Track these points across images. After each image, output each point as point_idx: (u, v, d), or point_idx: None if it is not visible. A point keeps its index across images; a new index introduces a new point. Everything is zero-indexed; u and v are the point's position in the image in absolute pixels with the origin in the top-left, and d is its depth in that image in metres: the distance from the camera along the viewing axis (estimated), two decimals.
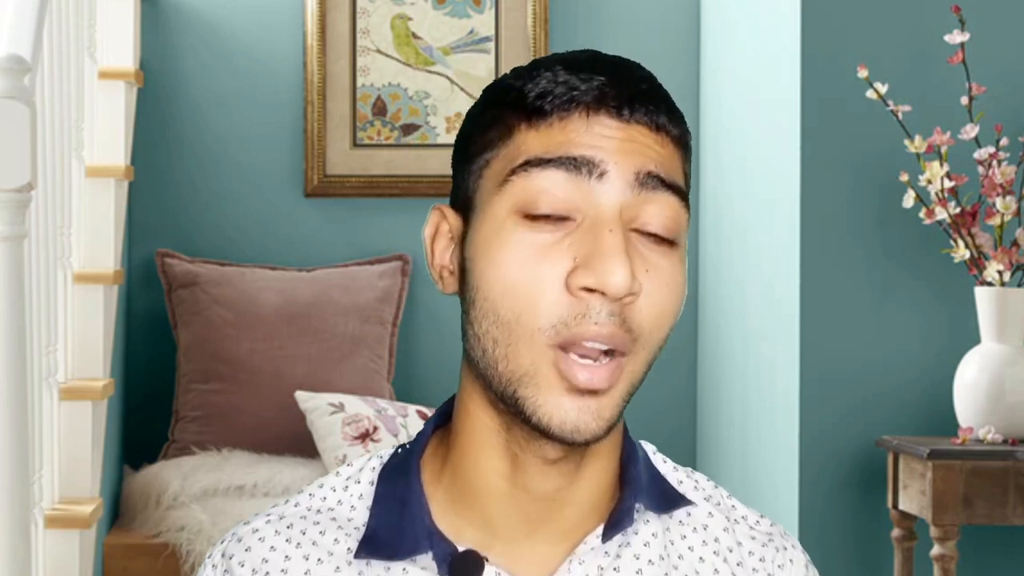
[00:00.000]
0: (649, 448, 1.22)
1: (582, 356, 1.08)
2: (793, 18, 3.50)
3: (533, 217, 1.09)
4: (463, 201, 1.15)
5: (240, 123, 4.28)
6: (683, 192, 1.12)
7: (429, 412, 3.82)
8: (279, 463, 3.82)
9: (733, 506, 1.22)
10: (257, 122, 4.28)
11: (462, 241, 1.14)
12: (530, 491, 1.13)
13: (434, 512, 1.15)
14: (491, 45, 4.31)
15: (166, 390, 4.12)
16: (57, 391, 3.21)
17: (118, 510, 3.85)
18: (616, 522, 1.15)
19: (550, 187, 1.09)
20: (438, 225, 1.16)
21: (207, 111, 4.27)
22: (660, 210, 1.11)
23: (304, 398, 3.79)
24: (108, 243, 3.69)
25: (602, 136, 1.10)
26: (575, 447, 1.10)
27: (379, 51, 4.29)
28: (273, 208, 4.28)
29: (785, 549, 1.21)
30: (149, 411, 4.15)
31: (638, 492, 1.16)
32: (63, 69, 3.31)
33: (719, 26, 4.15)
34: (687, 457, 4.26)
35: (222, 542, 1.19)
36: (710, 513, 1.20)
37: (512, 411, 1.10)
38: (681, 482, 1.22)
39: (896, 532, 3.27)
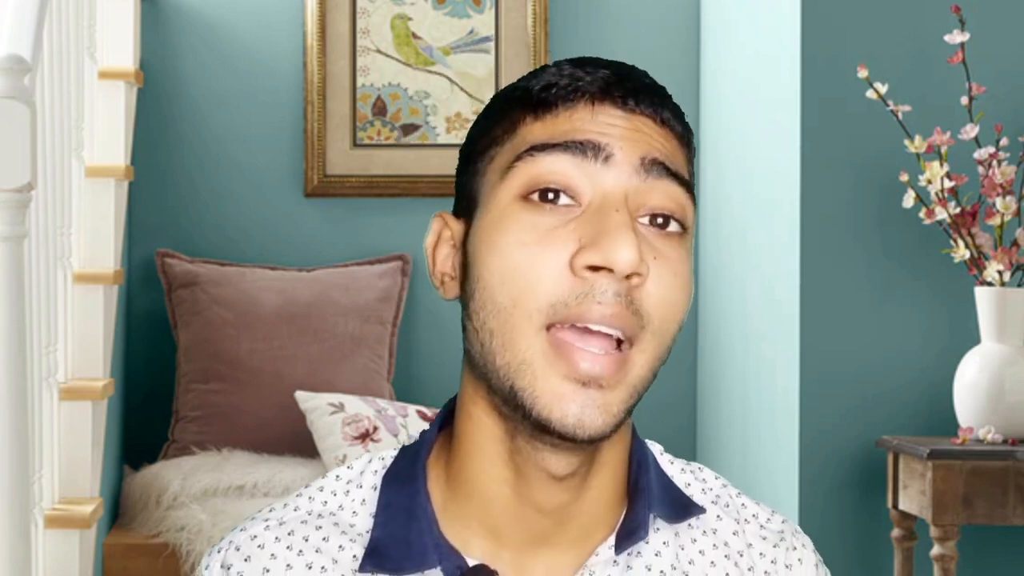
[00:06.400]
0: (656, 449, 1.19)
1: (585, 342, 1.03)
2: (793, 18, 3.50)
3: (537, 201, 1.07)
4: (466, 203, 1.12)
5: (240, 123, 4.28)
6: (688, 184, 1.10)
7: (429, 412, 3.82)
8: (279, 463, 3.82)
9: (743, 504, 1.19)
10: (257, 122, 4.28)
11: (464, 243, 1.11)
12: (536, 505, 1.09)
13: (441, 521, 1.11)
14: (491, 45, 4.31)
15: (166, 390, 4.12)
16: (57, 391, 3.21)
17: (118, 510, 3.85)
18: (629, 533, 1.11)
19: (555, 170, 1.07)
20: (440, 232, 1.14)
21: (207, 111, 4.27)
22: (665, 198, 1.08)
23: (304, 398, 3.79)
24: (108, 243, 3.69)
25: (607, 124, 1.08)
26: (578, 445, 1.05)
27: (379, 51, 4.29)
28: (273, 208, 4.28)
29: (794, 548, 1.18)
30: (149, 411, 4.15)
31: (651, 502, 1.13)
32: (63, 69, 3.31)
33: (719, 26, 4.15)
34: (687, 457, 4.26)
35: (219, 551, 1.13)
36: (719, 516, 1.17)
37: (512, 408, 1.05)
38: (689, 484, 1.18)
39: (896, 532, 3.27)
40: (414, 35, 4.30)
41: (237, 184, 4.27)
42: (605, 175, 1.07)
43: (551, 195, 1.06)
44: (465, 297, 1.09)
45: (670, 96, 1.13)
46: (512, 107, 1.11)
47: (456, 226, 1.13)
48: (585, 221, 1.05)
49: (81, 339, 3.48)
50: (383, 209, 4.29)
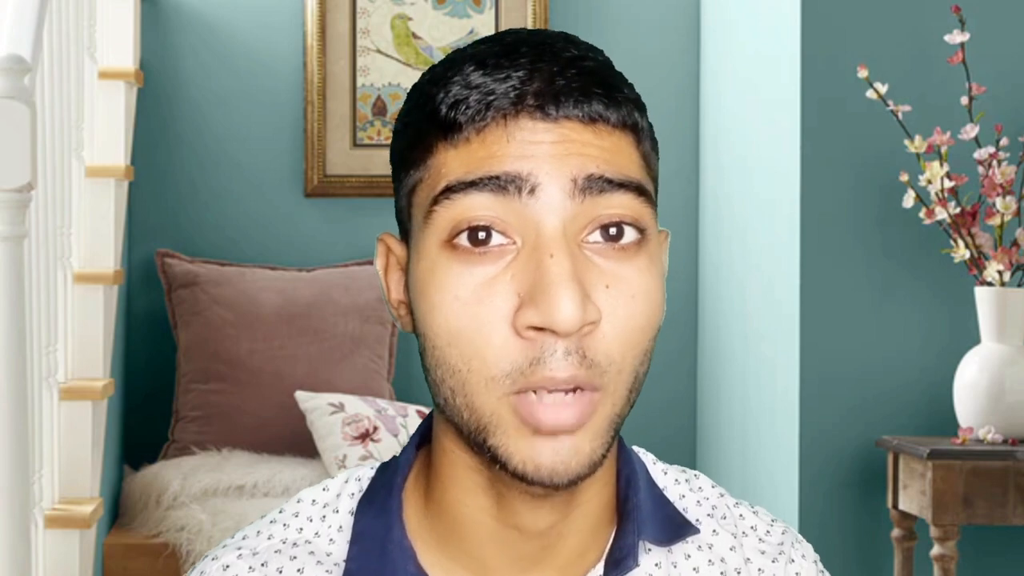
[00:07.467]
0: (648, 459, 1.12)
1: (547, 392, 0.96)
2: (793, 18, 3.50)
3: (467, 244, 0.96)
4: (402, 228, 1.03)
5: (240, 123, 4.28)
6: (638, 185, 0.97)
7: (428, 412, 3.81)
8: (279, 463, 3.82)
9: (741, 515, 1.13)
10: (257, 122, 4.28)
11: (406, 274, 1.03)
12: (521, 529, 1.02)
13: (420, 551, 1.04)
14: None
15: (166, 390, 4.12)
16: (57, 391, 3.21)
17: (118, 510, 3.85)
18: (618, 561, 1.04)
19: (477, 206, 0.96)
20: (387, 256, 1.05)
21: (207, 111, 4.27)
22: (612, 213, 0.97)
23: (304, 398, 3.79)
24: (108, 243, 3.69)
25: (527, 142, 0.96)
26: (559, 489, 0.98)
27: (379, 51, 4.29)
28: (273, 208, 4.28)
29: (793, 561, 1.12)
30: (149, 411, 4.15)
31: (641, 525, 1.06)
32: (63, 69, 3.31)
33: (719, 26, 4.15)
34: (687, 457, 4.26)
35: None
36: (715, 531, 1.10)
37: (490, 461, 0.99)
38: (683, 496, 1.12)
39: (896, 532, 3.27)
40: (414, 35, 4.30)
41: (237, 184, 4.27)
42: (534, 208, 0.95)
43: (481, 234, 0.96)
44: (418, 344, 1.01)
45: (600, 77, 0.98)
46: (423, 126, 0.99)
47: (400, 251, 1.04)
48: (522, 267, 0.96)
49: (81, 339, 3.48)
50: (383, 209, 4.29)
